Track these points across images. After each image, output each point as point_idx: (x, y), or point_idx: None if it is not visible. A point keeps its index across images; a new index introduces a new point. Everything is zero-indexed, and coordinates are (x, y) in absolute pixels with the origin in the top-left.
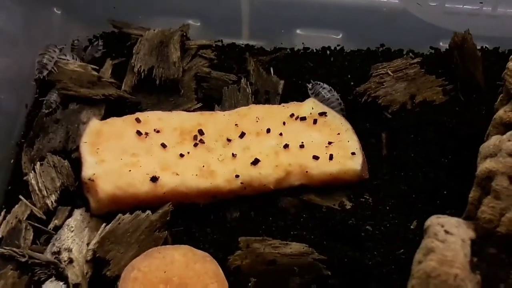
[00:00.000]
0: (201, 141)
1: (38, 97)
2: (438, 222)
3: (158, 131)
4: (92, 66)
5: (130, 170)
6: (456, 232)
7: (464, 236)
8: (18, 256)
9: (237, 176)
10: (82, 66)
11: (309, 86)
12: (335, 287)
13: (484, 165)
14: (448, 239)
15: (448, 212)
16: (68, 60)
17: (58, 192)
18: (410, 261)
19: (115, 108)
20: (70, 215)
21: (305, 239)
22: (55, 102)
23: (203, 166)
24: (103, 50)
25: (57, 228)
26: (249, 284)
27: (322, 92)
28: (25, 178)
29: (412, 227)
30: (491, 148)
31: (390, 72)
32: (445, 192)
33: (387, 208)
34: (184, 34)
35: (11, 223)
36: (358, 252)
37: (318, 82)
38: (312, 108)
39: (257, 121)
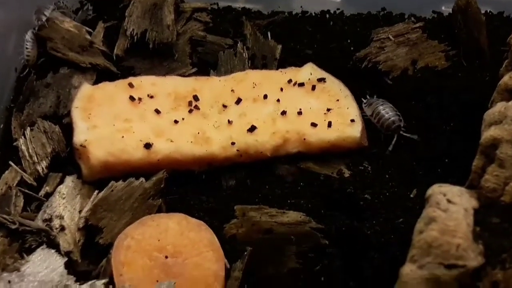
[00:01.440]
0: (196, 107)
1: None
2: (440, 191)
3: (151, 97)
4: (87, 28)
5: (123, 136)
6: (458, 201)
7: (467, 205)
8: (8, 223)
9: (233, 143)
10: (77, 27)
11: (364, 101)
12: (333, 256)
13: (489, 133)
14: (450, 208)
15: (450, 181)
16: (64, 19)
17: (49, 158)
18: (410, 230)
19: (107, 72)
20: (61, 181)
21: (302, 208)
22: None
23: (198, 133)
24: (93, 14)
25: (48, 195)
26: (245, 253)
27: (380, 108)
28: (15, 143)
29: (412, 195)
30: (496, 115)
31: (391, 37)
32: (446, 160)
33: (387, 176)
34: None
35: (1, 189)
36: (357, 221)
37: (376, 98)
38: (311, 74)
39: (253, 87)
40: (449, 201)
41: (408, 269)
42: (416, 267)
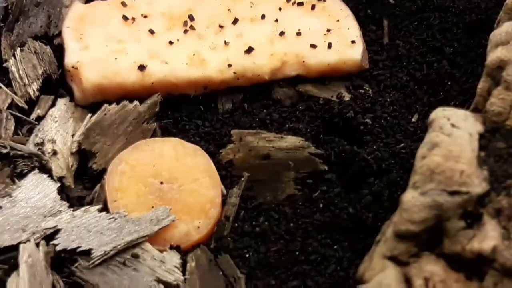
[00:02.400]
0: (192, 28)
1: None
2: (444, 115)
3: (145, 16)
4: None
5: (116, 58)
6: (463, 125)
7: (471, 129)
8: None
9: (229, 65)
10: None
11: None
12: (331, 182)
13: (495, 54)
14: (454, 133)
15: (452, 105)
16: None
17: (40, 80)
18: (411, 156)
19: None
20: (53, 104)
21: (301, 133)
22: None
23: (194, 55)
24: None
25: (40, 119)
26: (242, 179)
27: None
28: (5, 64)
29: (413, 120)
30: (503, 35)
31: None
32: (449, 83)
33: (388, 100)
34: None
35: None
36: (356, 146)
37: None
38: None
39: (251, 6)
40: (453, 125)
41: (410, 196)
42: (418, 194)
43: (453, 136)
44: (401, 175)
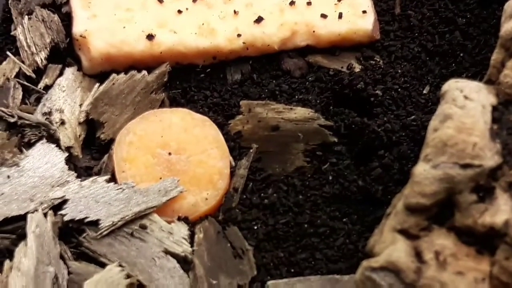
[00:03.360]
0: None
1: None
2: (456, 87)
3: None
4: None
5: (124, 27)
6: (476, 97)
7: (485, 101)
8: (7, 116)
9: (239, 35)
10: None
11: None
12: (341, 154)
13: (510, 25)
14: (467, 105)
15: (465, 76)
16: None
17: (48, 49)
18: (422, 128)
19: None
20: (61, 74)
21: (310, 104)
22: None
23: (203, 24)
24: None
25: (48, 88)
26: (251, 151)
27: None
28: (12, 33)
29: (425, 92)
30: None
31: None
32: (461, 55)
33: (399, 71)
34: None
35: None
36: (367, 118)
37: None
38: None
39: None
40: (466, 97)
41: (422, 169)
42: (430, 166)
43: (466, 108)
44: (411, 147)
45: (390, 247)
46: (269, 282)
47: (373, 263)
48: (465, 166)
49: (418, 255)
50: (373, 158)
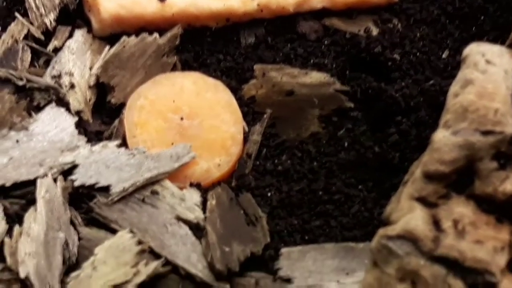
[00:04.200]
0: None
1: None
2: (478, 51)
3: None
4: None
5: None
6: (498, 62)
7: (507, 66)
8: (15, 79)
9: None
10: None
11: None
12: (357, 120)
13: None
14: (489, 69)
15: (485, 40)
16: None
17: (57, 10)
18: (441, 93)
19: None
20: (70, 36)
21: (326, 68)
22: None
23: None
24: None
25: (57, 50)
26: (264, 116)
27: None
28: None
29: (444, 56)
30: None
31: None
32: (482, 18)
33: (417, 34)
34: None
35: (7, 42)
36: (384, 83)
37: None
38: None
39: None
40: (488, 61)
41: (441, 135)
42: (450, 133)
43: (487, 73)
44: (429, 113)
45: (408, 215)
46: (283, 250)
47: (389, 231)
48: (486, 133)
49: (436, 223)
50: (390, 124)
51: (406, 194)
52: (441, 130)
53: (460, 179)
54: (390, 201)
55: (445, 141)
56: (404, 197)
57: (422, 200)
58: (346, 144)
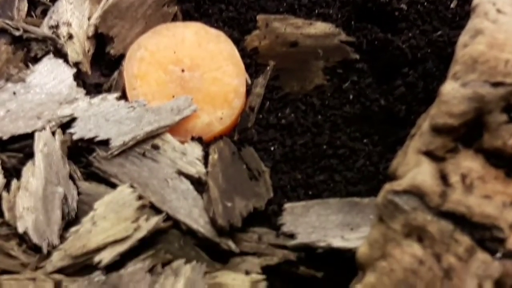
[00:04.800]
0: None
1: None
2: (489, 0)
3: None
4: None
5: None
6: (509, 11)
7: None
8: (12, 30)
9: None
10: None
11: None
12: (363, 72)
13: None
14: (500, 19)
15: None
16: None
17: None
18: (449, 44)
19: None
20: None
21: (331, 19)
22: None
23: None
24: None
25: (54, 0)
26: (268, 68)
27: None
28: None
29: (452, 6)
30: None
31: None
32: None
33: None
34: None
35: None
36: (390, 34)
37: None
38: None
39: None
40: (498, 11)
41: (450, 87)
42: (459, 85)
43: (498, 23)
44: (437, 65)
45: (414, 169)
46: (286, 205)
47: (396, 186)
48: (496, 85)
49: (443, 178)
50: (397, 76)
51: (413, 148)
52: (450, 82)
53: (468, 133)
54: (396, 155)
55: (454, 94)
56: (411, 151)
57: (430, 154)
58: (351, 96)
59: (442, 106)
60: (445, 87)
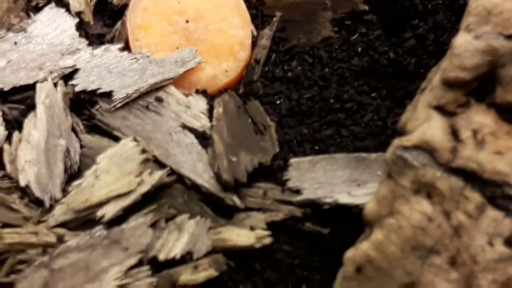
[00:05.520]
0: None
1: None
2: None
3: None
4: None
5: None
6: None
7: None
8: None
9: None
10: None
11: None
12: (371, 24)
13: None
14: None
15: None
16: None
17: None
18: None
19: None
20: None
21: None
22: None
23: None
24: None
25: None
26: (274, 19)
27: None
28: None
29: None
30: None
31: None
32: None
33: None
34: None
35: None
36: None
37: None
38: None
39: None
40: None
41: (462, 40)
42: (472, 37)
43: None
44: (448, 17)
45: (424, 124)
46: (292, 160)
47: (405, 141)
48: (510, 37)
49: (454, 133)
50: (406, 28)
51: (423, 102)
52: (462, 34)
53: (481, 87)
54: (406, 110)
55: (467, 46)
56: (421, 105)
57: (440, 109)
58: (359, 49)
59: (454, 59)
60: (458, 40)
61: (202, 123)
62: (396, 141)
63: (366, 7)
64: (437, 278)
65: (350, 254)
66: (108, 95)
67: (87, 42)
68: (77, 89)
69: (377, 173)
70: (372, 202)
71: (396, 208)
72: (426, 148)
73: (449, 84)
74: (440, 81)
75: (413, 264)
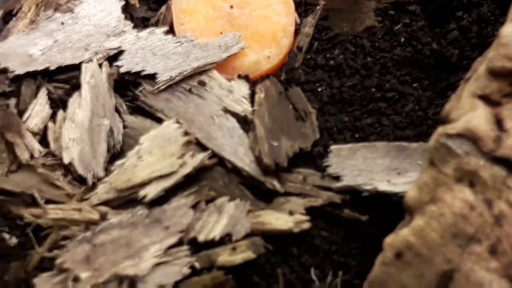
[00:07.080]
0: None
1: None
2: None
3: None
4: None
5: None
6: None
7: None
8: None
9: None
10: None
11: None
12: (415, 14)
13: None
14: None
15: None
16: None
17: None
18: None
19: None
20: None
21: None
22: None
23: None
24: None
25: None
26: (317, 7)
27: None
28: None
29: None
30: None
31: None
32: None
33: None
34: None
35: None
36: None
37: None
38: None
39: None
40: None
41: (510, 29)
42: None
43: None
44: (492, 9)
45: (469, 113)
46: (332, 147)
47: (449, 129)
48: None
49: (498, 123)
50: (450, 20)
51: (468, 91)
52: (510, 24)
53: None
54: (450, 99)
55: None
56: (466, 94)
57: (485, 98)
58: (402, 39)
59: (500, 49)
60: (505, 29)
61: (243, 107)
62: (440, 129)
63: None
64: (476, 266)
65: (390, 239)
66: (152, 77)
67: (132, 24)
68: (122, 70)
69: (418, 162)
70: (413, 189)
71: (438, 195)
72: (470, 137)
73: (494, 73)
74: (485, 71)
75: (453, 251)
